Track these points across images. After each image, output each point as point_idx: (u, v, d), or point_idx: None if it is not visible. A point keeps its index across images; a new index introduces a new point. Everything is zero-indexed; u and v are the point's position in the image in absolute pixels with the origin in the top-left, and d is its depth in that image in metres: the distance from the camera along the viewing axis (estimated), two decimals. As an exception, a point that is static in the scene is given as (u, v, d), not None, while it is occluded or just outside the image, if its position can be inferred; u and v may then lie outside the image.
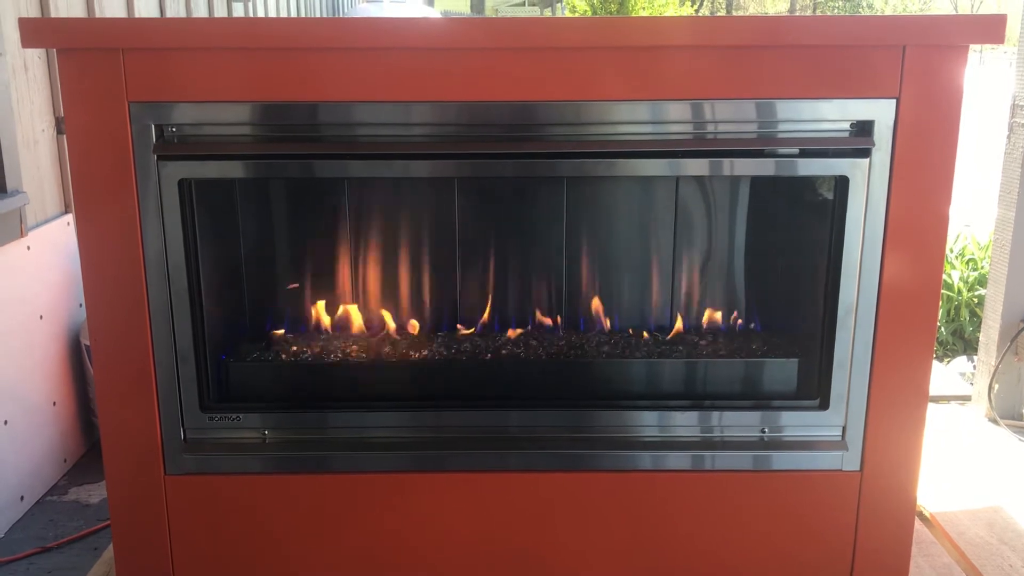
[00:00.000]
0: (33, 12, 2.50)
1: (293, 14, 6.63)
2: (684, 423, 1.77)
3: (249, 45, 1.57)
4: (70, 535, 2.24)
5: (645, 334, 2.03)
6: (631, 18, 1.72)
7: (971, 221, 5.05)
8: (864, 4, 36.70)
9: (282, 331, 2.02)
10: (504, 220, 2.08)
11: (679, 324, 2.05)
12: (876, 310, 1.68)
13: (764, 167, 1.68)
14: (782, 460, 1.75)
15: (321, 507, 1.76)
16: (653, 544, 1.79)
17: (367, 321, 2.06)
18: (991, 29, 1.54)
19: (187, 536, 1.77)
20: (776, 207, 1.98)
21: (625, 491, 1.77)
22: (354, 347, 1.98)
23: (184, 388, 1.70)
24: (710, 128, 1.63)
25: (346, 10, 10.14)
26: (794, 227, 1.91)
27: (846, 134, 1.63)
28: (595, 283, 2.08)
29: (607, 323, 2.06)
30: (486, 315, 2.06)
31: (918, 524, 2.13)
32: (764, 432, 1.77)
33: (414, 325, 2.05)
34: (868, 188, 1.62)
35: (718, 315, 2.06)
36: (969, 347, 3.94)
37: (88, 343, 2.34)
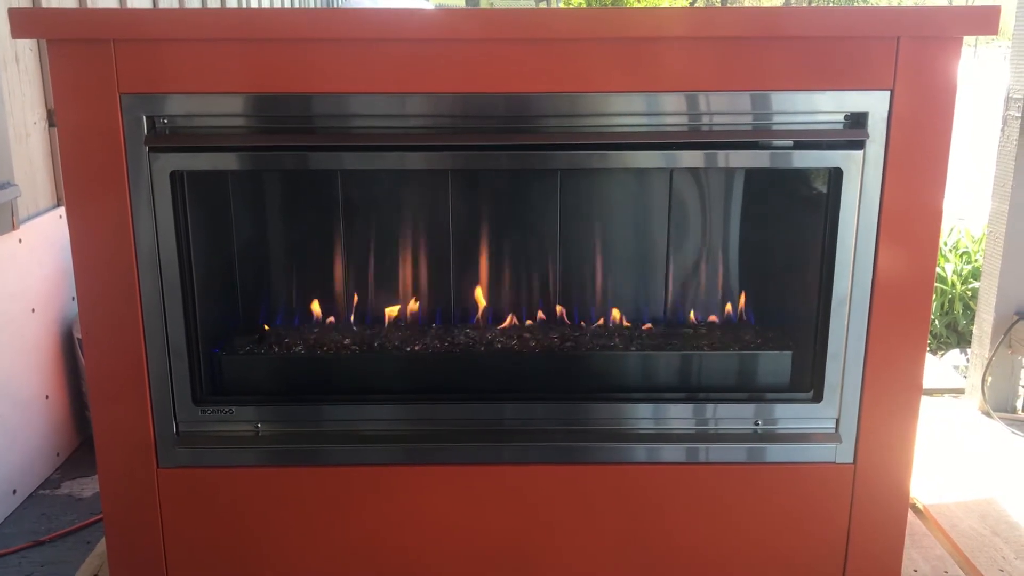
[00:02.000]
0: (24, 2, 2.48)
1: (287, 4, 6.60)
2: (678, 415, 1.77)
3: (242, 36, 1.56)
4: (63, 529, 2.23)
5: (641, 326, 2.03)
6: (626, 9, 1.72)
7: (965, 214, 5.06)
8: (859, -3, 36.68)
9: (276, 323, 2.01)
10: (499, 212, 2.08)
11: (673, 316, 2.05)
12: (870, 303, 1.68)
13: (758, 159, 1.67)
14: (776, 452, 1.75)
15: (315, 500, 1.76)
16: (648, 536, 1.79)
17: (360, 313, 2.05)
18: (985, 21, 1.54)
19: (180, 529, 1.76)
20: (770, 199, 1.98)
21: (620, 483, 1.77)
22: (347, 339, 1.97)
23: (177, 381, 1.70)
24: (705, 120, 1.62)
25: (340, 1, 10.10)
26: (788, 219, 1.90)
27: (840, 126, 1.63)
28: (590, 275, 2.08)
29: (599, 317, 2.06)
30: (480, 307, 2.05)
31: (911, 516, 2.13)
32: (758, 424, 1.77)
33: (408, 317, 2.05)
34: (862, 180, 1.62)
35: (712, 307, 2.06)
36: (963, 340, 3.95)
37: (80, 336, 2.33)
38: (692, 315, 2.06)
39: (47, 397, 2.50)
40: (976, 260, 4.24)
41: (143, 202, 1.61)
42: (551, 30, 1.58)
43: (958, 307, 4.06)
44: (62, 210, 2.61)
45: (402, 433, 1.78)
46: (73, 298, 2.61)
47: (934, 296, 3.32)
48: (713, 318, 2.05)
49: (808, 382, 1.77)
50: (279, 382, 1.88)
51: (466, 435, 1.77)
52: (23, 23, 1.55)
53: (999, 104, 2.74)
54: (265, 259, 2.04)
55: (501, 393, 1.83)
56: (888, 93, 1.59)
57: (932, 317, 3.12)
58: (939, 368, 3.32)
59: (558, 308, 2.06)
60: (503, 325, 2.04)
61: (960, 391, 3.01)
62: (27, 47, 2.50)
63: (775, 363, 1.85)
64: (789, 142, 1.64)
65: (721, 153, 1.65)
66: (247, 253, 1.99)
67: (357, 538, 1.78)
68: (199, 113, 1.60)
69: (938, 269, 3.97)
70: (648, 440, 1.76)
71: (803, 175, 1.80)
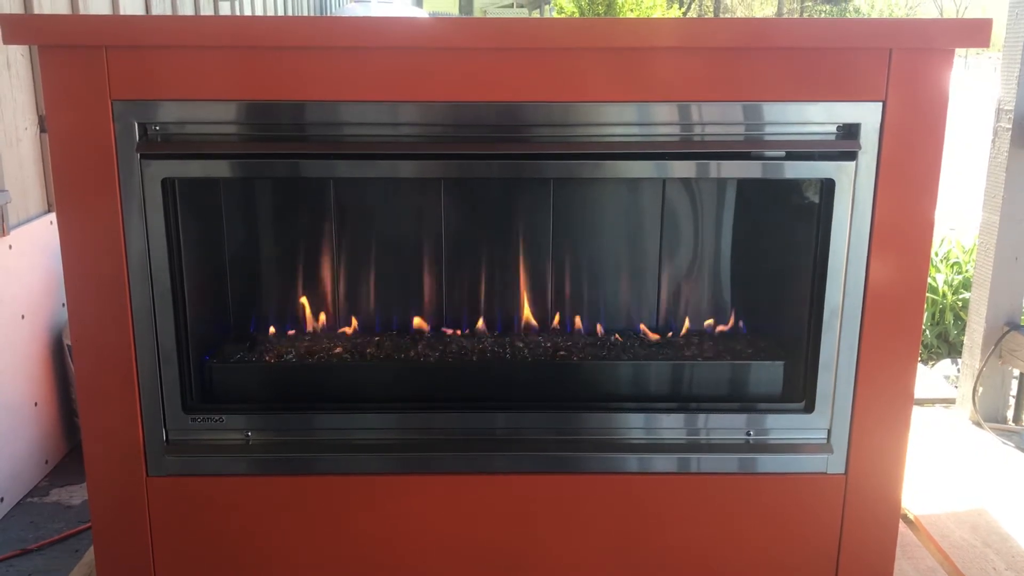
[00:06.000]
0: (16, 8, 2.47)
1: (280, 13, 6.60)
2: (670, 425, 1.77)
3: (235, 43, 1.56)
4: (51, 537, 2.22)
5: (632, 336, 2.03)
6: (619, 19, 1.72)
7: (956, 225, 5.08)
8: (851, 8, 36.90)
9: (267, 332, 2.01)
10: (490, 221, 2.08)
11: (665, 326, 2.05)
12: (862, 313, 1.68)
13: (750, 169, 1.68)
14: (767, 463, 1.75)
15: (305, 509, 1.75)
16: (639, 546, 1.79)
17: (352, 322, 2.04)
18: (977, 33, 1.54)
19: (169, 539, 1.75)
20: (762, 209, 1.98)
21: (611, 493, 1.76)
22: (339, 348, 1.97)
23: (167, 389, 1.69)
24: (697, 130, 1.62)
25: (334, 9, 10.12)
26: (780, 230, 1.91)
27: (832, 137, 1.63)
28: (582, 285, 2.08)
29: (592, 325, 2.06)
30: (472, 316, 2.05)
31: (902, 527, 2.13)
32: (750, 435, 1.77)
33: (400, 326, 2.04)
34: (854, 191, 1.63)
35: (704, 317, 2.06)
36: (953, 350, 3.96)
37: (70, 343, 2.32)
38: (684, 325, 2.06)
39: (36, 404, 2.49)
40: (967, 271, 4.25)
41: (134, 209, 1.60)
42: (544, 40, 1.58)
43: (949, 317, 4.07)
44: (53, 216, 2.60)
45: (394, 442, 1.77)
46: (63, 304, 2.60)
47: (925, 306, 3.33)
48: (706, 325, 2.05)
49: (800, 392, 1.77)
50: (270, 390, 1.87)
51: (458, 444, 1.76)
52: (15, 29, 1.54)
53: (990, 115, 2.75)
54: (256, 267, 2.04)
55: (493, 402, 1.82)
56: (880, 104, 1.59)
57: (923, 327, 3.12)
58: (930, 378, 3.32)
59: (550, 317, 2.05)
60: (496, 334, 2.03)
61: (951, 401, 3.02)
62: (19, 52, 2.50)
63: (767, 373, 1.85)
64: (781, 153, 1.64)
65: (713, 163, 1.65)
66: (238, 261, 1.99)
67: (349, 548, 1.77)
68: (191, 120, 1.60)
69: (929, 279, 3.98)
70: (640, 450, 1.76)
71: (795, 186, 1.80)
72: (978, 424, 2.83)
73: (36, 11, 2.52)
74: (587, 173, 1.70)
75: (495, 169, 1.68)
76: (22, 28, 1.58)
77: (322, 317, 2.04)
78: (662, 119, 1.61)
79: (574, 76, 1.58)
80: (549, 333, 2.05)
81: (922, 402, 3.01)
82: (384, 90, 1.58)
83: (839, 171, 1.62)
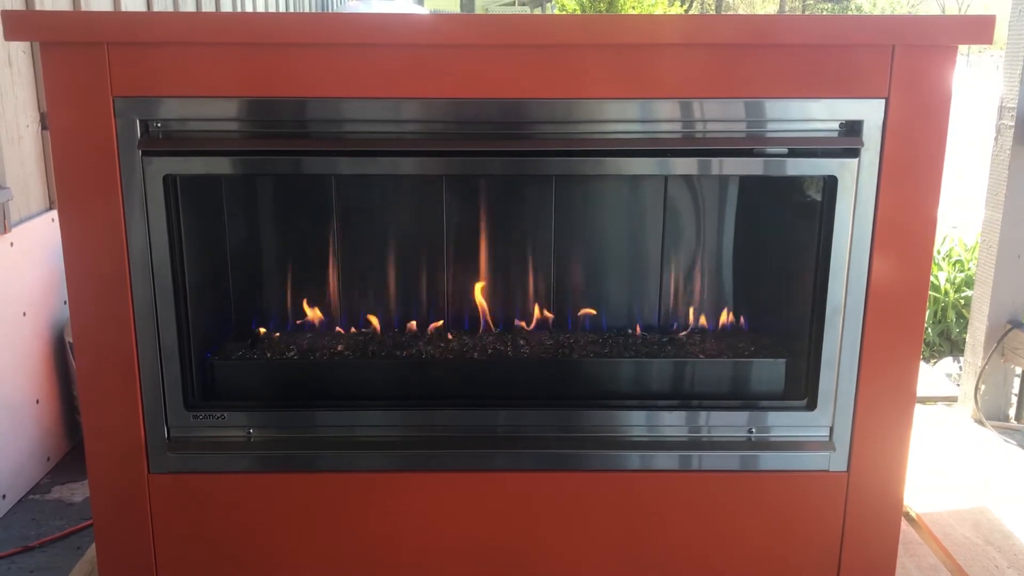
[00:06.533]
0: (17, 4, 2.47)
1: (282, 9, 6.60)
2: (672, 423, 1.77)
3: (236, 40, 1.56)
4: (53, 534, 2.22)
5: (634, 332, 2.03)
6: (621, 16, 1.72)
7: (958, 222, 5.08)
8: (853, 6, 36.88)
9: (269, 329, 2.01)
10: (492, 218, 2.07)
11: (667, 323, 2.05)
12: (864, 311, 1.68)
13: (752, 167, 1.67)
14: (769, 460, 1.75)
15: (307, 506, 1.75)
16: (641, 544, 1.79)
17: (354, 319, 2.04)
18: (980, 30, 1.54)
19: (170, 536, 1.75)
20: (764, 207, 1.98)
21: (613, 491, 1.76)
22: (340, 345, 1.97)
23: (168, 386, 1.69)
24: (699, 127, 1.62)
25: (335, 6, 10.11)
26: (782, 227, 1.90)
27: (835, 134, 1.63)
28: (583, 282, 2.08)
29: (594, 323, 2.05)
30: (474, 313, 2.05)
31: (904, 525, 2.13)
32: (751, 432, 1.76)
33: (402, 323, 2.04)
34: (856, 188, 1.62)
35: (706, 315, 2.06)
36: (955, 348, 3.96)
37: (72, 340, 2.32)
38: (687, 322, 2.06)
39: (38, 401, 2.49)
40: (969, 268, 4.25)
41: (136, 206, 1.60)
42: (546, 37, 1.57)
43: (951, 315, 4.07)
44: (54, 213, 2.60)
45: (395, 439, 1.77)
46: (65, 302, 2.60)
47: (927, 304, 3.33)
48: (705, 318, 2.05)
49: (802, 390, 1.77)
50: (271, 387, 1.87)
51: (459, 442, 1.76)
52: (16, 25, 1.54)
53: (992, 112, 2.75)
54: (258, 264, 2.04)
55: (495, 400, 1.82)
56: (883, 101, 1.59)
57: (925, 325, 3.12)
58: (932, 376, 3.32)
59: (552, 314, 2.05)
60: (497, 331, 2.03)
61: (953, 399, 3.02)
62: (20, 49, 2.49)
63: (769, 371, 1.85)
64: (783, 150, 1.64)
65: (715, 160, 1.65)
66: (240, 258, 1.98)
67: (350, 544, 1.77)
68: (192, 117, 1.60)
69: (931, 277, 3.98)
70: (642, 448, 1.76)
71: (798, 183, 1.80)
72: (980, 422, 2.83)
73: (38, 7, 2.52)
74: (589, 170, 1.70)
75: (497, 166, 1.68)
76: (24, 24, 1.57)
77: (324, 314, 2.03)
78: (664, 116, 1.61)
79: (576, 73, 1.57)
80: (551, 330, 2.04)
81: (924, 400, 3.01)
82: (386, 87, 1.58)
83: (841, 168, 1.62)
